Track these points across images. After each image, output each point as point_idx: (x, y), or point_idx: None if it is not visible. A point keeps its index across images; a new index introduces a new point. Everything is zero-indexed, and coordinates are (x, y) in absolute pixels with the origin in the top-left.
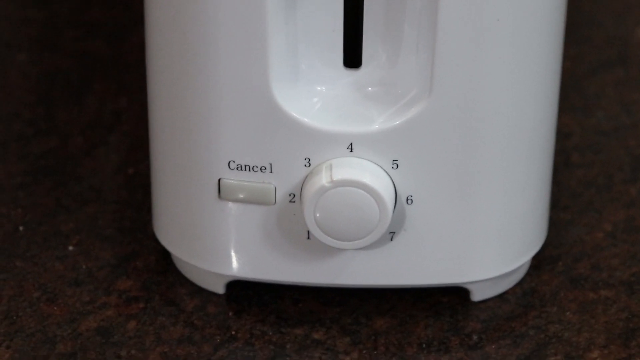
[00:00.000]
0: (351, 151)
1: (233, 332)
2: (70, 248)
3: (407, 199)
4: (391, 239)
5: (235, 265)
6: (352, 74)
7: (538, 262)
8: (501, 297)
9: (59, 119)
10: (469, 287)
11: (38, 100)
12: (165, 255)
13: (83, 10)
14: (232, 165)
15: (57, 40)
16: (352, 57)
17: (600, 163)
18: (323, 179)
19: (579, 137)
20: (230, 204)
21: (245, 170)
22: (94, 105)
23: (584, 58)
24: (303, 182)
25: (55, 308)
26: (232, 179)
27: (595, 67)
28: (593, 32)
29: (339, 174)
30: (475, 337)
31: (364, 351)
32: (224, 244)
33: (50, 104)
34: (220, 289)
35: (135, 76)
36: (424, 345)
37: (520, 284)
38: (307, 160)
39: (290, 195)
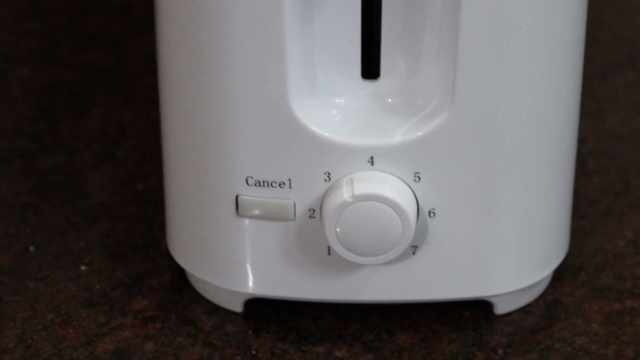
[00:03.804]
0: (372, 164)
1: (253, 352)
2: (83, 268)
3: (429, 212)
4: (414, 253)
5: (254, 283)
6: (370, 85)
7: (560, 273)
8: (525, 309)
9: (63, 133)
10: (492, 300)
11: (41, 115)
12: (180, 273)
13: (83, 21)
14: (250, 181)
15: (57, 53)
16: (370, 68)
17: (616, 168)
18: (344, 193)
19: (594, 142)
20: (248, 221)
21: (263, 186)
22: (99, 119)
23: (594, 60)
24: (323, 197)
25: (70, 330)
26: (250, 195)
27: (605, 69)
28: (601, 33)
29: (360, 188)
30: (500, 352)
31: None
32: (242, 261)
33: (53, 118)
34: (238, 307)
35: (139, 87)
36: None
37: (543, 295)
38: (327, 174)
39: (309, 210)
